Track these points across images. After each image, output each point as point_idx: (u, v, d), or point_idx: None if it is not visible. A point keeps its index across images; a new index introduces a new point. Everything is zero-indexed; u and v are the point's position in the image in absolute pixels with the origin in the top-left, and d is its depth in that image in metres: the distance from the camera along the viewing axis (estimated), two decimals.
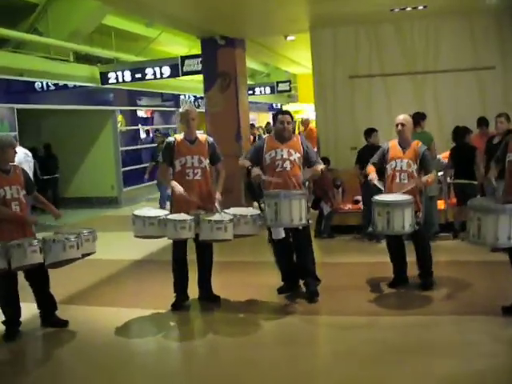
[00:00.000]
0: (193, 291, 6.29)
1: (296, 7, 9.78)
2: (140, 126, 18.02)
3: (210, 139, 6.29)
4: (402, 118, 6.51)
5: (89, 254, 5.64)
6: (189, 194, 5.93)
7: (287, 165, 6.11)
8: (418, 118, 8.57)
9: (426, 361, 4.69)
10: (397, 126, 6.47)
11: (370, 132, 9.03)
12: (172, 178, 6.16)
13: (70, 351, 5.38)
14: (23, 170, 5.82)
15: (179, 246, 6.07)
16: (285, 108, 21.29)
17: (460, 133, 8.65)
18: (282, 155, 6.14)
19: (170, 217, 5.73)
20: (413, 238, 6.35)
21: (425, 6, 9.44)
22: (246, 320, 5.92)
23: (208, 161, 6.13)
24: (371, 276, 7.14)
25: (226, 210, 6.05)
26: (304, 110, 19.30)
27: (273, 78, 23.18)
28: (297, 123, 17.86)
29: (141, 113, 18.16)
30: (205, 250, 6.17)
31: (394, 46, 10.75)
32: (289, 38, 12.52)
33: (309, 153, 6.26)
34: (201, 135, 6.26)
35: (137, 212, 5.92)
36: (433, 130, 9.16)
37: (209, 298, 6.29)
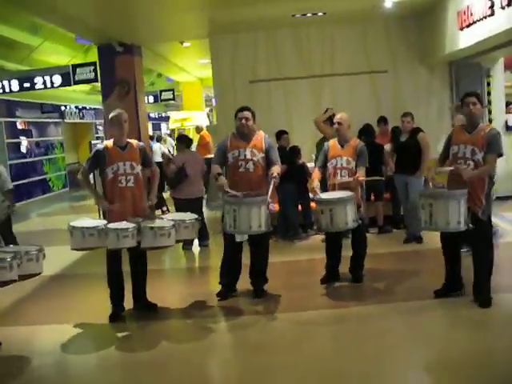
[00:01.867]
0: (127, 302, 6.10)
1: (196, 13, 9.82)
2: (25, 138, 17.36)
3: (141, 144, 6.18)
4: (339, 116, 6.62)
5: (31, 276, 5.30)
6: (122, 202, 5.80)
7: (250, 166, 6.03)
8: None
9: (403, 347, 4.93)
10: (335, 124, 6.60)
11: (280, 134, 9.22)
12: (104, 186, 5.99)
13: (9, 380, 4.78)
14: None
15: (115, 257, 5.86)
16: (172, 116, 21.12)
17: (371, 131, 9.04)
18: (246, 155, 6.04)
19: (111, 226, 5.54)
20: (353, 232, 6.48)
21: (324, 13, 9.80)
22: (195, 325, 5.79)
23: (140, 167, 6.00)
24: (301, 273, 7.36)
25: (164, 216, 5.97)
26: (193, 117, 19.29)
27: (156, 87, 22.98)
28: (191, 130, 17.87)
29: (21, 125, 17.46)
30: (140, 259, 6.03)
31: (292, 51, 11.13)
32: (185, 45, 12.47)
33: (269, 151, 6.12)
34: (131, 140, 6.10)
35: (74, 223, 5.68)
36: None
37: (145, 307, 6.13)
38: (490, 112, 11.07)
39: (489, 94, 11.07)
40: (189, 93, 21.49)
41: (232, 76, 11.16)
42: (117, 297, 5.99)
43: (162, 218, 5.98)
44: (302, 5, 9.31)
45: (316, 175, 6.52)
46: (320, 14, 9.81)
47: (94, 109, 21.27)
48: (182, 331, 5.75)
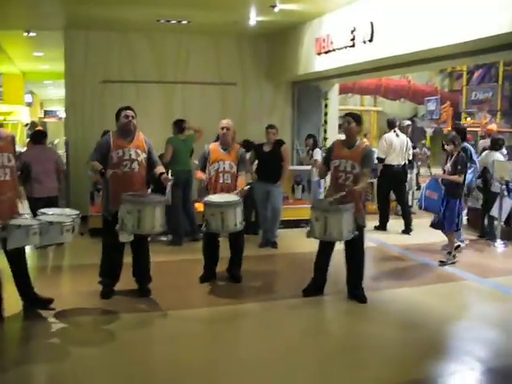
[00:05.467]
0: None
1: (52, 3, 9.40)
2: None
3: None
4: (225, 122, 6.99)
5: None
6: None
7: (135, 165, 6.13)
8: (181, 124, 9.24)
9: (282, 336, 5.39)
10: (222, 129, 6.92)
11: None
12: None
13: None
14: None
15: None
16: None
17: None
18: (131, 155, 6.15)
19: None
20: (232, 235, 6.89)
21: (189, 22, 10.05)
22: (83, 325, 5.72)
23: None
24: (182, 273, 7.53)
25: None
26: (17, 111, 18.20)
27: None
28: (19, 126, 16.91)
29: None
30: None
31: (146, 55, 11.27)
32: (30, 34, 11.79)
33: (151, 152, 6.33)
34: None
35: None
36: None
37: (39, 303, 5.90)
38: (325, 131, 12.10)
39: (325, 114, 12.09)
40: (9, 85, 20.14)
41: (84, 73, 10.93)
42: None
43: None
44: (169, 12, 9.45)
45: (200, 175, 6.90)
46: (184, 22, 10.02)
47: None
48: (71, 332, 5.58)
